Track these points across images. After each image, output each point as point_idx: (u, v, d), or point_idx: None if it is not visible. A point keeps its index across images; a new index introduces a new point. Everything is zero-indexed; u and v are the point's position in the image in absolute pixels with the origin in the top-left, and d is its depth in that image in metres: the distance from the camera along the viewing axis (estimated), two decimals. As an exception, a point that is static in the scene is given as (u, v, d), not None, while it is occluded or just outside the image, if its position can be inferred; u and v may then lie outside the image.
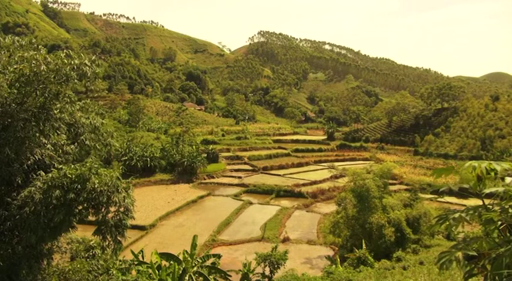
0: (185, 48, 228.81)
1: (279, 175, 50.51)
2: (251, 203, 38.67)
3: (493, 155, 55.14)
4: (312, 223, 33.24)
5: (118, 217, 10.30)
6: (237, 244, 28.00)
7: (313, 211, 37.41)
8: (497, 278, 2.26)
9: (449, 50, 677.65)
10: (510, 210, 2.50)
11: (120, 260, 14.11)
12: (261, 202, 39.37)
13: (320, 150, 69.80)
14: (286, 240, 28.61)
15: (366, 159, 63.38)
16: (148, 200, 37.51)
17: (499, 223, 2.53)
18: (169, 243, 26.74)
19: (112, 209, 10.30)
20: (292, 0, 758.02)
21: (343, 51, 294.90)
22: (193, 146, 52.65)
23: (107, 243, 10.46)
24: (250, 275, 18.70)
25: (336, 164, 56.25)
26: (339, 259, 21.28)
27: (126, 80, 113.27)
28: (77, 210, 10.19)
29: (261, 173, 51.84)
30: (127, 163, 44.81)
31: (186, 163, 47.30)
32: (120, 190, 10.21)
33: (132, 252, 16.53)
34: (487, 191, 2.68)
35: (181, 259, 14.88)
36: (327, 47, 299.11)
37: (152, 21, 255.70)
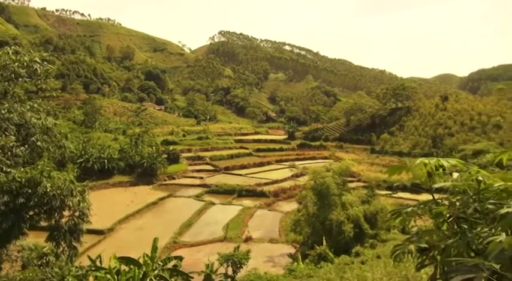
0: (144, 47, 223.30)
1: (241, 175, 50.57)
2: (213, 204, 38.42)
3: (443, 152, 58.30)
4: (273, 222, 33.55)
5: (73, 222, 9.88)
6: (199, 245, 27.73)
7: (275, 210, 37.78)
8: (445, 267, 2.38)
9: (402, 52, 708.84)
10: (457, 204, 2.65)
11: (76, 267, 13.52)
12: (223, 202, 39.22)
13: (281, 149, 70.68)
14: (248, 239, 28.69)
15: (325, 157, 64.89)
16: (106, 204, 36.20)
17: (448, 216, 2.68)
18: (129, 247, 25.96)
19: (66, 213, 9.87)
20: (252, 1, 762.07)
21: (302, 52, 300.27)
22: (153, 147, 51.50)
23: (61, 249, 10.01)
24: (213, 276, 18.58)
25: (297, 163, 57.22)
26: (300, 256, 21.65)
27: (81, 79, 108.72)
28: (28, 216, 9.66)
29: (223, 173, 51.66)
30: (83, 165, 43.08)
31: (145, 164, 46.16)
32: (74, 194, 9.80)
33: (89, 258, 15.87)
34: (436, 186, 2.83)
35: (142, 262, 14.49)
36: (287, 47, 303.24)
37: (109, 19, 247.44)
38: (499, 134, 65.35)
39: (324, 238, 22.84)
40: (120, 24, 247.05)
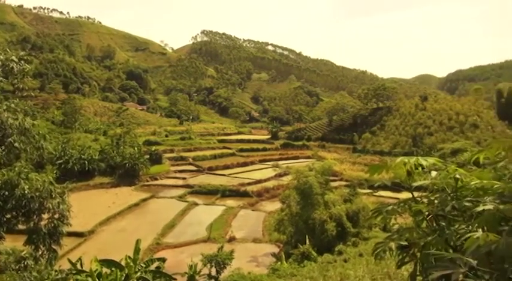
0: (125, 46, 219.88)
1: (224, 175, 50.43)
2: (196, 204, 38.21)
3: (423, 151, 59.48)
4: (257, 222, 33.61)
5: (52, 224, 9.67)
6: (183, 246, 27.54)
7: (258, 210, 37.84)
8: (425, 264, 2.44)
9: (383, 53, 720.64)
10: (436, 201, 2.72)
11: (56, 271, 13.21)
12: (206, 203, 39.04)
13: (264, 149, 70.82)
14: (232, 240, 28.66)
15: (308, 157, 65.30)
16: (87, 205, 35.55)
17: (427, 213, 2.74)
18: (110, 249, 25.54)
19: (45, 216, 9.65)
20: (234, 0, 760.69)
21: (285, 52, 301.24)
22: (135, 148, 50.81)
23: (40, 253, 9.77)
24: (197, 277, 18.49)
25: (280, 162, 57.35)
26: (284, 256, 21.74)
27: (60, 79, 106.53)
28: (5, 219, 9.39)
29: (206, 173, 51.41)
30: (62, 166, 42.15)
31: (127, 165, 45.52)
32: (54, 196, 9.59)
33: (70, 261, 15.56)
34: (415, 184, 2.89)
35: (124, 264, 14.30)
36: (270, 47, 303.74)
37: (88, 17, 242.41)
38: (476, 133, 67.08)
39: (307, 237, 23.00)
40: (100, 22, 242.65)
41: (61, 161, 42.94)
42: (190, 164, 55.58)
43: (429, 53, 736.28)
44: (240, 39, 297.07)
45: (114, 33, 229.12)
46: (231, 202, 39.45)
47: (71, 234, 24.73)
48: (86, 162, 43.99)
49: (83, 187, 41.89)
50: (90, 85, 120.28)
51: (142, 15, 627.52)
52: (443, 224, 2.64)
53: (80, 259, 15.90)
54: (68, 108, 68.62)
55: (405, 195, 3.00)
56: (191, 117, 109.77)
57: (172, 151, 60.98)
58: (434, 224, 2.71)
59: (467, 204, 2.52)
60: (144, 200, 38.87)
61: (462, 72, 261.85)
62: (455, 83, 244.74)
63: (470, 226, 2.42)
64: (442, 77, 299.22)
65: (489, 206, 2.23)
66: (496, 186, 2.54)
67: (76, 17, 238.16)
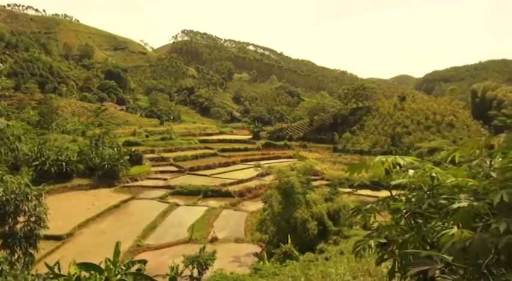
0: (103, 45, 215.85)
1: (206, 175, 50.16)
2: (178, 205, 37.87)
3: (402, 150, 60.67)
4: (239, 222, 33.59)
5: (28, 227, 9.42)
6: (164, 247, 27.26)
7: (240, 210, 37.82)
8: (403, 261, 2.50)
9: (362, 53, 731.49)
10: (413, 199, 2.78)
11: (32, 275, 12.87)
12: (188, 203, 38.75)
13: (246, 149, 70.80)
14: (214, 240, 28.55)
15: (290, 157, 65.64)
16: (65, 208, 34.74)
17: (405, 211, 2.80)
18: (89, 252, 25.04)
19: (21, 219, 9.38)
20: (215, 0, 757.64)
21: (266, 52, 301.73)
22: (115, 148, 49.96)
23: (16, 257, 9.49)
24: (178, 279, 18.35)
25: (262, 162, 57.51)
26: (266, 255, 21.82)
27: (36, 78, 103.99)
28: (-22, 223, 9.10)
29: (188, 174, 51.01)
30: (39, 168, 41.08)
31: (106, 166, 44.70)
32: (30, 198, 9.34)
33: (47, 265, 15.15)
34: (394, 183, 2.95)
35: (103, 267, 14.05)
36: (251, 47, 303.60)
37: (65, 15, 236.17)
38: (452, 132, 68.97)
39: (289, 236, 23.15)
40: (78, 21, 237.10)
41: (37, 162, 41.85)
42: (171, 164, 55.04)
43: (407, 54, 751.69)
44: (221, 39, 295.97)
45: (92, 32, 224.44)
46: (212, 203, 39.28)
47: (49, 237, 24.14)
48: (64, 163, 42.98)
49: (61, 189, 40.92)
50: (68, 85, 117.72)
51: (122, 14, 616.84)
52: (421, 221, 2.71)
53: (57, 262, 15.53)
54: (45, 109, 67.02)
55: (384, 193, 3.06)
56: (172, 118, 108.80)
57: (152, 152, 60.25)
58: (412, 222, 2.77)
59: (443, 201, 2.59)
60: (124, 201, 38.28)
61: (438, 73, 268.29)
62: (432, 83, 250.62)
63: (446, 223, 2.49)
64: (419, 77, 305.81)
65: (464, 204, 2.30)
66: (470, 184, 2.62)
67: (53, 14, 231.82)
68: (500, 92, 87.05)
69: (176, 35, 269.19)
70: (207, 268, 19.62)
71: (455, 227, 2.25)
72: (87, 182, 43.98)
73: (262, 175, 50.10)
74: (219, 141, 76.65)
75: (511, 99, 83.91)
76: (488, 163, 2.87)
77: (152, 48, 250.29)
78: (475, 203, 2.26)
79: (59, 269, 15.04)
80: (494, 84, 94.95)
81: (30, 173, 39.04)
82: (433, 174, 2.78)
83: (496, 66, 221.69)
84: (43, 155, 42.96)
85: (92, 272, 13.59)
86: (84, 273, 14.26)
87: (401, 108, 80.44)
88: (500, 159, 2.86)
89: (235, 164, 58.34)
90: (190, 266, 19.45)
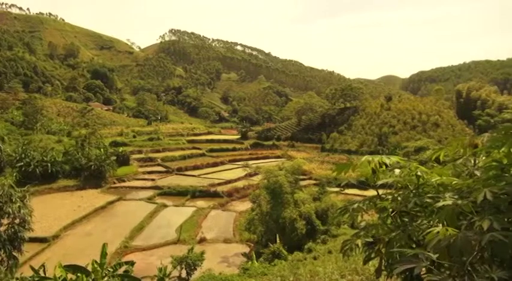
0: (89, 44, 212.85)
1: (194, 176, 49.93)
2: (166, 206, 37.62)
3: (388, 149, 61.42)
4: (228, 222, 33.54)
5: (12, 230, 9.24)
6: (152, 248, 27.06)
7: (229, 210, 37.76)
8: (390, 259, 2.52)
9: (349, 53, 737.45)
10: (399, 198, 2.81)
11: (17, 278, 12.65)
12: (176, 204, 38.53)
13: (234, 149, 70.72)
14: (202, 241, 28.45)
15: (278, 157, 65.82)
16: (51, 209, 34.24)
17: (391, 210, 2.83)
18: (76, 254, 24.72)
19: (5, 221, 9.20)
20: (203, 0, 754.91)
21: (254, 52, 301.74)
22: (101, 149, 49.36)
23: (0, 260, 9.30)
24: (166, 280, 18.23)
25: (250, 162, 57.52)
26: (254, 255, 21.83)
27: (20, 78, 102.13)
28: (-40, 225, 8.88)
29: (176, 174, 50.71)
30: (23, 169, 40.38)
31: (93, 166, 44.14)
32: (14, 200, 9.16)
33: (32, 268, 14.91)
34: (380, 182, 2.98)
35: (90, 269, 13.87)
36: (239, 47, 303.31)
37: (50, 14, 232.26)
38: (437, 132, 70.08)
39: (277, 235, 23.22)
40: (63, 19, 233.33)
41: (22, 163, 41.12)
42: (159, 165, 54.65)
43: (393, 54, 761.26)
44: (209, 39, 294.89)
45: (77, 31, 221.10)
46: (201, 203, 39.13)
47: (34, 239, 23.75)
48: (49, 164, 42.32)
49: (46, 190, 40.27)
50: (53, 84, 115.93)
51: (108, 13, 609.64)
52: (407, 220, 2.75)
53: (43, 265, 15.29)
54: (29, 109, 65.84)
55: (372, 193, 3.09)
56: (159, 118, 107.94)
57: (140, 152, 59.72)
58: (398, 220, 2.80)
59: (428, 200, 2.62)
60: (111, 202, 37.86)
61: (424, 73, 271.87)
62: (418, 83, 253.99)
63: (431, 221, 2.53)
64: (406, 78, 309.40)
65: (448, 202, 2.33)
66: (454, 182, 2.67)
67: (37, 13, 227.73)
68: (484, 93, 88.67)
69: (163, 35, 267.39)
70: (196, 269, 19.55)
71: (440, 225, 2.29)
72: (73, 183, 43.38)
73: (250, 175, 50.12)
74: (207, 141, 76.41)
75: (494, 100, 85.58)
76: (472, 161, 2.92)
77: (139, 47, 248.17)
78: (459, 202, 2.29)
79: (45, 272, 14.82)
80: (478, 84, 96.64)
81: (14, 175, 38.41)
82: (419, 173, 2.82)
83: (480, 67, 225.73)
84: (27, 156, 42.22)
85: (79, 274, 13.41)
86: (70, 275, 14.07)
87: (388, 108, 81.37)
88: (484, 158, 2.91)
89: (223, 164, 58.23)
90: (179, 267, 19.36)
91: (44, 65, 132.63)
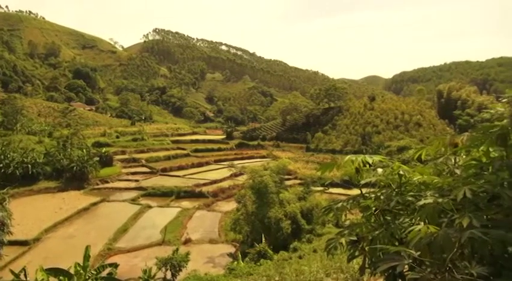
0: (71, 43, 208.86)
1: (179, 176, 49.58)
2: (150, 207, 37.25)
3: (372, 149, 62.19)
4: (213, 222, 33.42)
5: (-9, 234, 8.99)
6: (136, 250, 26.74)
7: (214, 210, 37.63)
8: (373, 258, 2.55)
9: (333, 54, 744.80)
10: (382, 197, 2.85)
11: (-4, 283, 12.33)
12: (160, 205, 38.19)
13: (219, 149, 70.54)
14: (188, 241, 28.28)
15: (263, 156, 65.92)
16: (31, 212, 33.52)
17: (374, 208, 2.87)
18: (58, 257, 24.24)
19: (-17, 225, 8.94)
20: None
21: (239, 52, 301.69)
22: (84, 150, 48.53)
23: (-23, 265, 9.04)
24: (151, 282, 18.02)
25: (235, 162, 57.40)
26: (240, 255, 21.82)
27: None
28: None
29: (160, 175, 50.25)
30: (2, 171, 39.44)
31: (75, 168, 43.37)
32: (-7, 203, 8.92)
33: (12, 271, 14.56)
34: (363, 181, 3.02)
35: (73, 272, 13.63)
36: (223, 47, 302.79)
37: (30, 12, 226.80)
38: (419, 131, 71.33)
39: (263, 235, 23.25)
40: (43, 18, 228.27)
41: (1, 165, 40.14)
42: (143, 165, 54.07)
43: (376, 55, 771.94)
44: (194, 39, 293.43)
45: (59, 30, 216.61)
46: (186, 203, 38.88)
47: (14, 243, 23.25)
48: (29, 166, 41.41)
49: (26, 192, 39.39)
50: (33, 84, 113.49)
51: (90, 12, 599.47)
52: (389, 218, 2.79)
53: (23, 269, 14.96)
54: (8, 109, 64.21)
55: (356, 192, 3.12)
56: (143, 118, 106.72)
57: (124, 153, 58.96)
58: (381, 219, 2.84)
59: (410, 198, 2.67)
60: (94, 204, 37.27)
61: (406, 73, 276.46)
62: (400, 84, 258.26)
63: (413, 219, 2.57)
64: (389, 78, 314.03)
65: (429, 200, 2.37)
66: (435, 181, 2.72)
67: (16, 11, 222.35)
68: (464, 93, 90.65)
69: (147, 34, 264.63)
70: (181, 270, 19.41)
71: (422, 223, 2.33)
72: (55, 184, 42.53)
73: (235, 175, 50.04)
74: (192, 141, 75.95)
75: (474, 100, 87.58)
76: (452, 160, 2.98)
77: (122, 47, 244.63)
78: (440, 200, 2.34)
79: (25, 276, 14.49)
80: (458, 85, 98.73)
81: (-7, 176, 37.47)
82: (401, 172, 2.86)
83: (460, 67, 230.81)
84: (7, 157, 41.25)
85: (61, 277, 13.17)
86: (52, 279, 13.80)
87: (371, 108, 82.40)
88: (464, 157, 2.98)
89: (208, 165, 58.01)
90: (164, 269, 19.19)
91: (24, 64, 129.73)
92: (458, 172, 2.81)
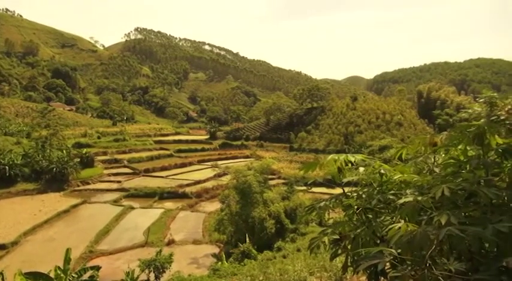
0: (50, 42, 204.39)
1: (162, 177, 49.07)
2: (132, 208, 36.75)
3: (354, 148, 62.93)
4: (197, 223, 33.21)
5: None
6: (119, 252, 26.33)
7: (198, 211, 37.41)
8: (355, 256, 2.59)
9: (316, 54, 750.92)
10: (364, 196, 2.89)
11: (-28, 288, 11.97)
12: (143, 206, 37.72)
13: (203, 149, 70.16)
14: (171, 243, 28.03)
15: (247, 156, 65.93)
16: (9, 214, 32.64)
17: (356, 207, 2.91)
18: (37, 261, 23.68)
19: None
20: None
21: (222, 52, 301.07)
22: (64, 150, 47.49)
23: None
24: (134, 284, 17.80)
25: (219, 162, 57.28)
26: (224, 255, 21.76)
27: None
28: None
29: (143, 175, 49.64)
30: (-22, 173, 38.28)
31: (55, 169, 42.42)
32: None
33: (-11, 276, 14.19)
34: (345, 180, 3.06)
35: (53, 276, 13.34)
36: (206, 47, 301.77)
37: (7, 9, 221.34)
38: (400, 131, 72.57)
39: (247, 235, 23.25)
40: (21, 16, 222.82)
41: (-24, 167, 38.95)
42: (125, 166, 53.30)
43: (358, 55, 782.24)
44: (176, 38, 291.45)
45: (37, 28, 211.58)
46: (169, 204, 38.52)
47: (-10, 247, 22.62)
48: (7, 167, 40.27)
49: (4, 195, 38.32)
50: (10, 83, 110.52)
51: (70, 10, 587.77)
52: (371, 216, 2.83)
53: (1, 273, 14.59)
54: (-16, 109, 62.40)
55: (338, 191, 3.15)
56: (125, 118, 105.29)
57: (105, 153, 57.98)
58: (363, 217, 2.88)
59: (391, 197, 2.72)
60: (75, 206, 36.52)
61: (387, 74, 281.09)
62: (382, 84, 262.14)
63: (394, 217, 2.62)
64: (370, 78, 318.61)
65: (409, 198, 2.42)
66: (415, 179, 2.77)
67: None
68: (443, 93, 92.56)
69: (129, 33, 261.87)
70: (164, 272, 19.24)
71: (402, 221, 2.37)
72: (34, 186, 41.47)
73: (219, 175, 49.90)
74: (175, 141, 75.30)
75: (452, 100, 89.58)
76: (432, 159, 3.04)
77: (103, 46, 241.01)
78: (420, 198, 2.38)
79: (3, 280, 14.12)
80: (437, 85, 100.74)
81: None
82: (382, 171, 2.91)
83: (439, 68, 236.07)
84: (-17, 159, 40.02)
85: (40, 281, 12.88)
86: (31, 283, 13.47)
87: (354, 108, 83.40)
88: (443, 155, 3.04)
89: (192, 165, 57.62)
90: (147, 271, 18.97)
91: (0, 63, 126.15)
92: (437, 170, 2.87)
